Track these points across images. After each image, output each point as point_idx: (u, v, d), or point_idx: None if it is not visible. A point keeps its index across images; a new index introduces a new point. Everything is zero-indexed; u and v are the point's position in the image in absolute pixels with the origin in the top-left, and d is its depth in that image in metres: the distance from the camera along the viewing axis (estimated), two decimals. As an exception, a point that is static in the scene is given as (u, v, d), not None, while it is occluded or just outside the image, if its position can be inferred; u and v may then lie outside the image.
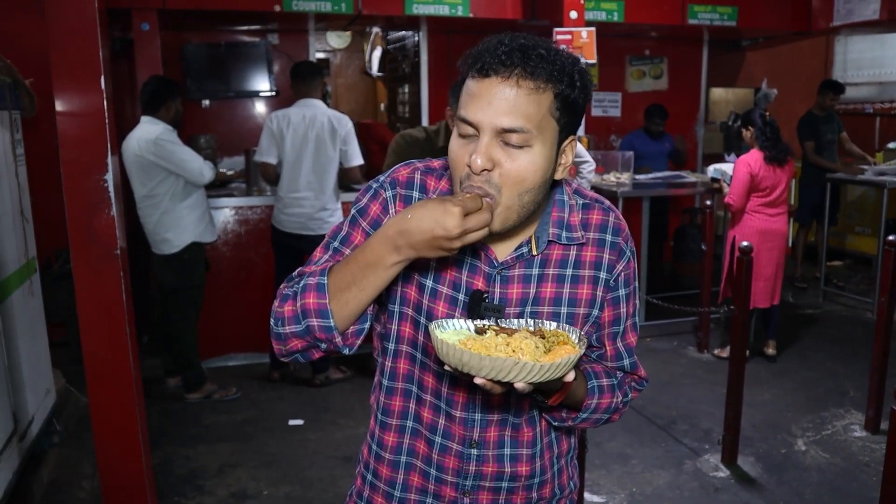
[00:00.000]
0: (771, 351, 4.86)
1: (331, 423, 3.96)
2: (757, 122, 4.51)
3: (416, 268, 1.21)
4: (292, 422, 4.00)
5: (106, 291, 2.38)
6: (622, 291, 1.25)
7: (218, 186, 5.15)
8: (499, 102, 1.05)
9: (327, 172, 4.30)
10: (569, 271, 1.20)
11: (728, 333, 4.77)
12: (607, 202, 1.27)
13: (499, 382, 1.01)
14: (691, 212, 6.56)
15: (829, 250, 6.77)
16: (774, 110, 5.02)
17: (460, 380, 1.21)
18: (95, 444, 2.51)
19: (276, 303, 1.16)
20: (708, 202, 5.15)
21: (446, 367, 1.03)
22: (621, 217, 1.26)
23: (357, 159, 4.39)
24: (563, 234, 1.20)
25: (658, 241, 6.43)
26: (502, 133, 1.05)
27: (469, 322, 1.13)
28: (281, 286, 1.20)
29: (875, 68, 7.39)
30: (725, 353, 4.73)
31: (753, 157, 4.47)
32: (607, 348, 1.28)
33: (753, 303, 4.53)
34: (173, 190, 3.99)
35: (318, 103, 4.32)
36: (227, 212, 4.69)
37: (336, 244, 1.23)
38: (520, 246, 1.19)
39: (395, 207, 1.21)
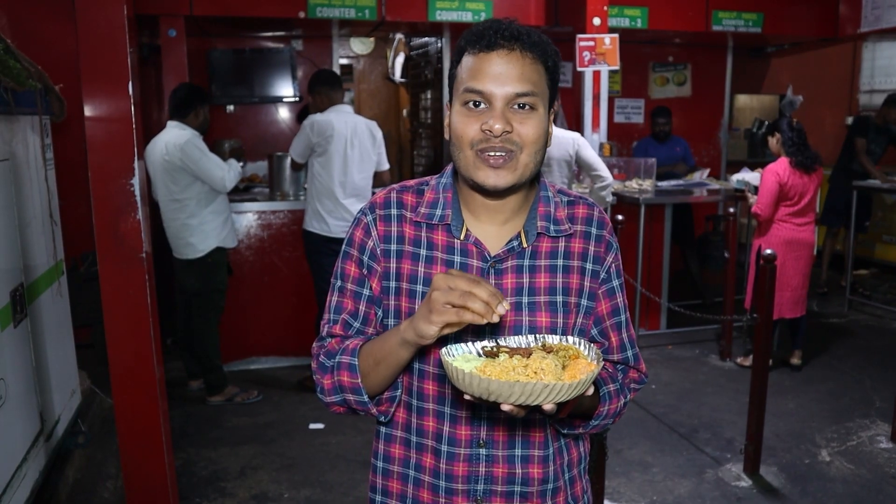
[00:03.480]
0: (796, 360, 4.80)
1: (351, 427, 3.97)
2: (784, 129, 4.46)
3: (406, 279, 1.24)
4: (313, 425, 4.02)
5: (131, 294, 2.42)
6: (616, 282, 1.30)
7: (242, 191, 5.20)
8: (510, 71, 1.14)
9: (370, 177, 4.42)
10: (560, 262, 1.26)
11: (751, 342, 4.72)
12: (591, 199, 1.34)
13: (524, 406, 1.00)
14: (714, 219, 6.50)
15: (856, 259, 6.67)
16: (800, 118, 4.97)
17: None
18: (119, 445, 2.54)
19: (314, 366, 1.26)
20: (731, 209, 5.09)
21: (467, 397, 1.02)
22: (604, 212, 1.33)
23: (387, 163, 4.53)
24: (551, 226, 1.26)
25: (685, 247, 6.36)
26: (515, 98, 1.14)
27: (472, 345, 1.11)
28: (314, 346, 1.28)
29: (903, 75, 7.29)
30: (748, 361, 4.68)
31: (781, 166, 4.41)
32: (612, 340, 1.30)
33: (780, 313, 4.47)
34: (199, 195, 4.04)
35: (351, 109, 4.41)
36: (250, 216, 4.73)
37: (339, 283, 1.29)
38: (510, 240, 1.24)
39: (376, 230, 1.27)
